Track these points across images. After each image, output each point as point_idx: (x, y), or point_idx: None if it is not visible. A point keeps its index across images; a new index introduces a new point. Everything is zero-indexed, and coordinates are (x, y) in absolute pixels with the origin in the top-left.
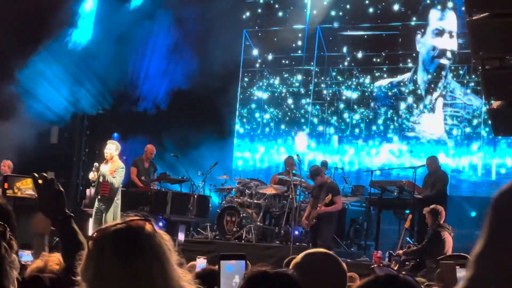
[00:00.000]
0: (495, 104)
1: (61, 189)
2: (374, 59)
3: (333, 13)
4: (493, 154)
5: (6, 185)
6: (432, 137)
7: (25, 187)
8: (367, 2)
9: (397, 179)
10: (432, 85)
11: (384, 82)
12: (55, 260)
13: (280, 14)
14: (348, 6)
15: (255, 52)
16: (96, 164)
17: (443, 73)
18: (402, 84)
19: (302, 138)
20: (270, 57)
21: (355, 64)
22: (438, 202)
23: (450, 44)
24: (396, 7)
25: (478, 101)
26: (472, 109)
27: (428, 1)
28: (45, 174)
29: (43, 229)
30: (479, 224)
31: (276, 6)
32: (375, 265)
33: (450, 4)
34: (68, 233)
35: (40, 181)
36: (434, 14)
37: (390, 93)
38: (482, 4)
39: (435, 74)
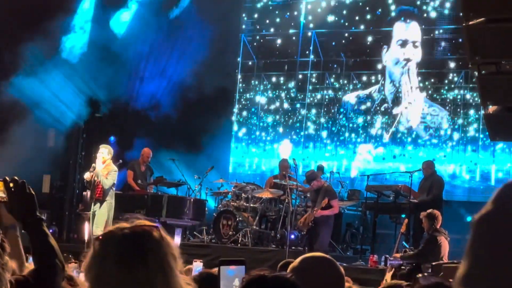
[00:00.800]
0: (491, 109)
1: (32, 192)
2: (369, 64)
3: (329, 18)
4: (490, 159)
5: None
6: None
7: None
8: (364, 7)
9: (393, 183)
10: (398, 96)
11: (354, 94)
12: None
13: (277, 19)
14: (344, 12)
15: (252, 57)
16: (94, 165)
17: (408, 84)
18: (371, 95)
19: (286, 146)
20: (267, 62)
21: (351, 69)
22: (434, 206)
23: (415, 54)
24: (393, 14)
25: (443, 112)
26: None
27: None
28: (16, 178)
29: (13, 220)
30: None
31: (273, 11)
32: (420, 275)
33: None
34: (38, 236)
35: (11, 185)
36: (397, 26)
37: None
38: (478, 9)
39: (400, 86)
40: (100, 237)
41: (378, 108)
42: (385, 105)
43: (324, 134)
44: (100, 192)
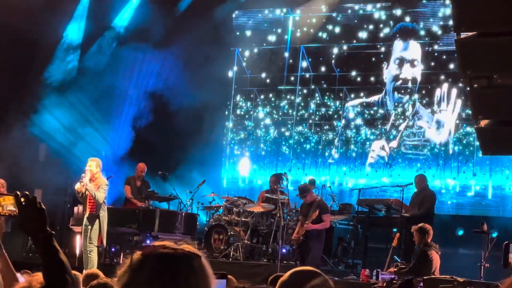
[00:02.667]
0: (483, 123)
1: (43, 207)
2: (359, 79)
3: (319, 33)
4: (482, 173)
5: None
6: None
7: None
8: (355, 22)
9: (385, 197)
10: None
11: (356, 101)
12: (38, 279)
13: (268, 35)
14: (330, 27)
15: (244, 72)
16: (83, 175)
17: (407, 102)
18: (372, 105)
19: (245, 163)
20: (258, 76)
21: (341, 84)
22: (426, 221)
23: (413, 73)
24: (386, 30)
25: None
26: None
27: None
28: (27, 193)
29: None
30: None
31: (264, 26)
32: None
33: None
34: (49, 252)
35: (22, 200)
36: (396, 45)
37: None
38: (470, 23)
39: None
40: (140, 252)
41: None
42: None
43: (316, 148)
44: (92, 206)
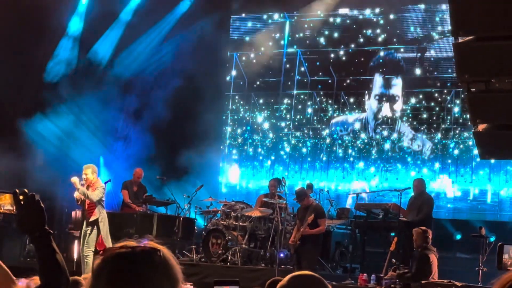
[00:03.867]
0: (481, 127)
1: (42, 205)
2: (355, 83)
3: (316, 38)
4: (481, 177)
5: None
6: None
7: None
8: (352, 27)
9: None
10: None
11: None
12: (37, 282)
13: (265, 39)
14: (327, 32)
15: (241, 76)
16: (82, 182)
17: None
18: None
19: (235, 169)
20: (255, 81)
21: (339, 89)
22: (425, 225)
23: (394, 107)
24: (382, 36)
25: (428, 143)
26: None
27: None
28: (26, 190)
29: None
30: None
31: (261, 31)
32: None
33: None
34: (46, 251)
35: (21, 197)
36: (376, 79)
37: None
38: (468, 27)
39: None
40: (100, 253)
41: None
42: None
43: (312, 153)
44: (90, 209)
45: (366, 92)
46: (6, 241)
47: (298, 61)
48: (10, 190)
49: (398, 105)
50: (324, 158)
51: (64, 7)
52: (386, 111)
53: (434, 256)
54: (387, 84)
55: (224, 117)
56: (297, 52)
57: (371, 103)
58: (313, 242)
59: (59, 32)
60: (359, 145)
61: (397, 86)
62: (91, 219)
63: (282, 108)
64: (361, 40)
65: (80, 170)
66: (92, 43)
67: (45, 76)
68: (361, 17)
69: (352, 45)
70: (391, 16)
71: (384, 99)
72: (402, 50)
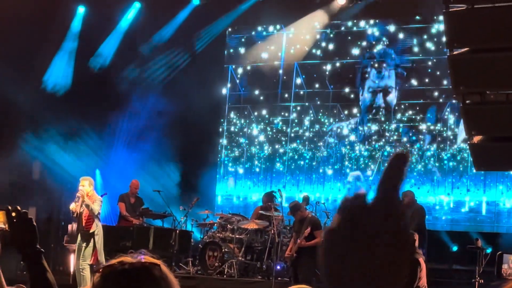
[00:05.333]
0: (476, 139)
1: (34, 223)
2: (353, 95)
3: (313, 50)
4: (475, 189)
5: None
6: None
7: None
8: (347, 39)
9: None
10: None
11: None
12: None
13: (261, 52)
14: (324, 44)
15: (238, 88)
16: (78, 195)
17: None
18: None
19: (231, 182)
20: (252, 94)
21: (335, 100)
22: (420, 234)
23: (388, 100)
24: (379, 46)
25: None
26: None
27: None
28: (19, 208)
29: None
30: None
31: (257, 43)
32: None
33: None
34: (36, 269)
35: (13, 214)
36: (371, 73)
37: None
38: (463, 39)
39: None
40: (100, 270)
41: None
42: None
43: (310, 165)
44: (87, 223)
45: (360, 88)
46: (2, 254)
47: (294, 73)
48: (3, 207)
49: (392, 97)
50: (321, 170)
51: (62, 18)
52: (379, 102)
53: (422, 260)
54: (380, 76)
55: (220, 130)
56: (293, 64)
57: (364, 97)
58: (309, 254)
59: (56, 44)
60: (355, 155)
61: (390, 78)
62: (87, 230)
63: (278, 120)
64: (357, 51)
65: (76, 183)
66: (89, 55)
67: (41, 88)
68: (355, 28)
69: (348, 57)
70: (388, 28)
71: (378, 91)
72: (398, 62)
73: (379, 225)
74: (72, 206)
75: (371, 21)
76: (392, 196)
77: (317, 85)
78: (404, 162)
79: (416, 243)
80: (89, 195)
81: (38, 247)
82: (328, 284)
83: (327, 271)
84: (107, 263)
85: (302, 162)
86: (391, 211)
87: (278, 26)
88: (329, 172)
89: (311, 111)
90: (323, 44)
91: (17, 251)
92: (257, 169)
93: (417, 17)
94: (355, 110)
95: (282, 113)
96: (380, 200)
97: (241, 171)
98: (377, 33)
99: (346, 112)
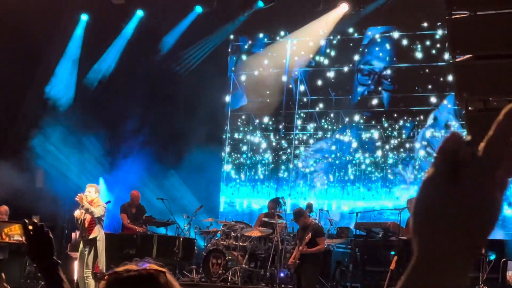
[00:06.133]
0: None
1: (51, 236)
2: (356, 102)
3: (316, 57)
4: None
5: None
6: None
7: (13, 233)
8: (349, 46)
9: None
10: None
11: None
12: None
13: (264, 59)
14: (328, 51)
15: (240, 96)
16: (76, 199)
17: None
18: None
19: (234, 189)
20: (255, 101)
21: (338, 107)
22: None
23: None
24: (378, 49)
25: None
26: None
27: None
28: (35, 221)
29: None
30: None
31: (260, 50)
32: None
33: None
34: (53, 280)
35: (30, 227)
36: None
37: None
38: (466, 46)
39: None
40: (105, 278)
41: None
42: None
43: (314, 172)
44: (90, 228)
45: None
46: (6, 263)
47: (299, 80)
48: (20, 220)
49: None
50: (325, 177)
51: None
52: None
53: None
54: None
55: (223, 137)
56: (297, 71)
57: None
58: (312, 261)
59: (59, 52)
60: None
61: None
62: (91, 236)
63: (282, 127)
64: (361, 59)
65: (80, 191)
66: (91, 64)
67: (45, 97)
68: (359, 36)
69: (350, 65)
70: (392, 36)
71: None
72: (403, 69)
73: (485, 182)
74: (77, 213)
75: (374, 28)
76: (501, 156)
77: (320, 92)
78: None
79: None
80: (94, 202)
81: (54, 259)
82: (414, 243)
83: (416, 226)
84: (113, 270)
85: (306, 170)
86: (498, 171)
87: (282, 33)
88: (334, 178)
89: (314, 118)
90: (327, 51)
91: (34, 263)
92: (261, 176)
93: (423, 24)
94: (357, 117)
95: (286, 120)
96: (490, 154)
97: (244, 178)
98: (379, 40)
99: (347, 119)
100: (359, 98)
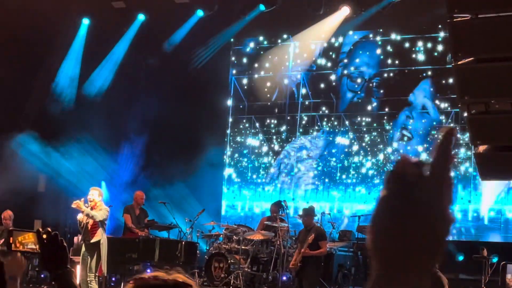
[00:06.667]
0: (481, 148)
1: (65, 244)
2: (360, 105)
3: (318, 61)
4: (481, 198)
5: (11, 240)
6: None
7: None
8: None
9: None
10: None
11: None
12: None
13: (266, 62)
14: (330, 54)
15: (242, 99)
16: (73, 206)
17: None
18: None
19: (236, 193)
20: (257, 104)
21: (339, 110)
22: None
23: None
24: (380, 55)
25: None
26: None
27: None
28: (49, 229)
29: (16, 272)
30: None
31: (262, 54)
32: None
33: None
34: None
35: (44, 236)
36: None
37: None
38: (467, 49)
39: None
40: (132, 282)
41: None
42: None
43: (315, 175)
44: (94, 231)
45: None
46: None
47: (301, 83)
48: (34, 230)
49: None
50: (327, 180)
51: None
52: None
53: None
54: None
55: (225, 140)
56: (299, 75)
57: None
58: (314, 264)
59: (60, 58)
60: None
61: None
62: (93, 240)
63: (283, 130)
64: (363, 62)
65: (81, 195)
66: (93, 68)
67: (46, 102)
68: (357, 38)
69: (351, 68)
70: (393, 38)
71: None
72: (406, 71)
73: (433, 198)
74: (80, 216)
75: (375, 31)
76: (445, 174)
77: (322, 95)
78: (451, 141)
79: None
80: (97, 206)
81: (68, 267)
82: (374, 257)
83: (375, 243)
84: (141, 275)
85: (310, 173)
86: (443, 187)
87: (284, 36)
88: (336, 181)
89: (317, 122)
90: (328, 54)
91: (48, 271)
92: (263, 180)
93: (423, 27)
94: (358, 119)
95: (287, 123)
96: (435, 174)
97: (246, 181)
98: (380, 43)
99: (347, 122)
100: (348, 103)
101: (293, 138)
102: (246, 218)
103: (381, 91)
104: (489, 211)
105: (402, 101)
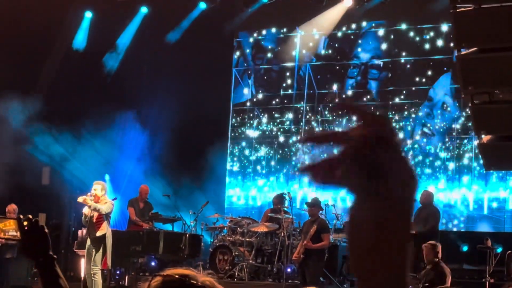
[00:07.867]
0: (485, 138)
1: (46, 231)
2: (363, 96)
3: (323, 51)
4: (485, 188)
5: None
6: None
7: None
8: (357, 40)
9: None
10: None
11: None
12: None
13: (270, 53)
14: (337, 45)
15: (245, 91)
16: (79, 200)
17: None
18: None
19: (241, 184)
20: (260, 95)
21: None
22: (432, 238)
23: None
24: (384, 45)
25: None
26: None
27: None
28: (30, 216)
29: None
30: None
31: (266, 45)
32: None
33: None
34: (50, 276)
35: (25, 223)
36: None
37: None
38: (471, 39)
39: None
40: (158, 277)
41: None
42: None
43: None
44: (99, 225)
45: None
46: (13, 262)
47: (307, 74)
48: (14, 216)
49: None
50: None
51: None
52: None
53: (447, 268)
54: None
55: (229, 132)
56: (304, 66)
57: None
58: (316, 256)
59: (63, 49)
60: None
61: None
62: (99, 233)
63: (288, 122)
64: (369, 53)
65: (86, 189)
66: (97, 60)
67: (49, 92)
68: (361, 30)
69: (355, 59)
70: (398, 29)
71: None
72: (412, 61)
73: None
74: (85, 210)
75: (379, 22)
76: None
77: (326, 86)
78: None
79: (439, 254)
80: (101, 200)
81: (50, 254)
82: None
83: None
84: (170, 270)
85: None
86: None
87: (287, 28)
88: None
89: (321, 112)
90: (332, 45)
91: (29, 259)
92: (268, 171)
93: (426, 17)
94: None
95: (292, 115)
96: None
97: (250, 173)
98: (383, 34)
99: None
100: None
101: (298, 129)
102: (251, 210)
103: (387, 82)
104: (492, 201)
105: (413, 92)
